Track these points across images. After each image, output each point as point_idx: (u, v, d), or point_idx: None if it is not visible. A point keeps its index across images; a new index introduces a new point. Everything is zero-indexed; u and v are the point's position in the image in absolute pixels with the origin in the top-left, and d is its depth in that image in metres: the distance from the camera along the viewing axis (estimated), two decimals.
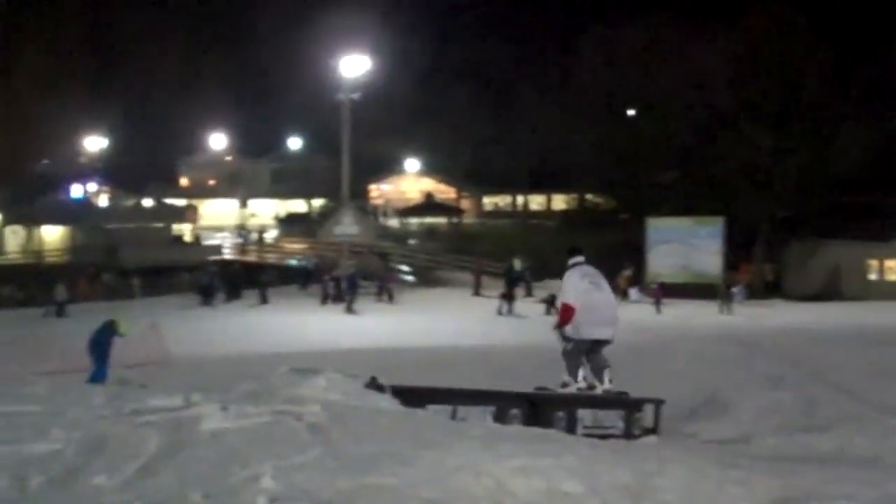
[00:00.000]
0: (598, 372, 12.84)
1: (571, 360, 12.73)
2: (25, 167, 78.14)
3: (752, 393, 16.08)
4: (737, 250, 53.48)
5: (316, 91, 59.98)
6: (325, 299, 43.90)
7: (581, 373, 12.96)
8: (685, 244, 51.55)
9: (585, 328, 12.61)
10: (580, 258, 13.01)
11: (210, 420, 7.76)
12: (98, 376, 17.62)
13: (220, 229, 78.18)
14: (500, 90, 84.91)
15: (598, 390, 12.99)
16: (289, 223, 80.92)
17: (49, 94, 68.58)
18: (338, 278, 44.17)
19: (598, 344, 12.87)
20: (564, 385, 12.96)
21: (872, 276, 53.00)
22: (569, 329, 12.77)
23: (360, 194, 76.27)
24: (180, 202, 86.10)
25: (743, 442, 12.93)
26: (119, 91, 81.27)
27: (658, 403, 13.95)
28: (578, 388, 12.87)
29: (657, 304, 43.14)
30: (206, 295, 44.02)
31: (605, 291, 12.71)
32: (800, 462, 10.43)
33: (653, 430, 13.70)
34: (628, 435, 13.10)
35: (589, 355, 12.79)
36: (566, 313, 12.69)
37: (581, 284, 12.61)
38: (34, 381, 11.25)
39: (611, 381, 12.99)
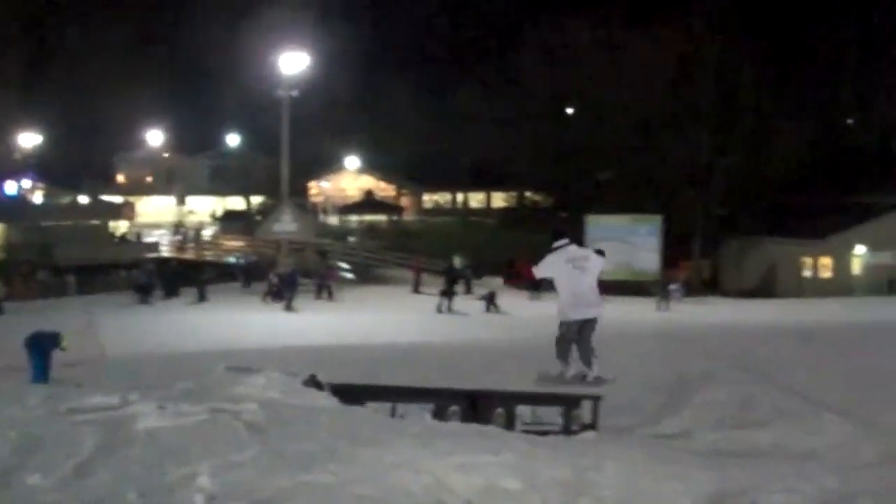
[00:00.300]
0: (586, 359, 12.75)
1: (561, 346, 12.67)
2: None
3: (690, 389, 16.23)
4: (674, 248, 53.94)
5: (254, 88, 59.60)
6: (268, 296, 43.52)
7: (573, 370, 12.87)
8: (624, 242, 51.82)
9: (572, 312, 12.51)
10: (564, 241, 12.89)
11: (147, 419, 7.68)
12: (38, 377, 17.94)
13: (157, 226, 77.49)
14: (439, 88, 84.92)
15: (590, 377, 12.92)
16: (227, 220, 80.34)
17: None
18: (281, 276, 43.89)
19: (587, 325, 12.72)
20: (560, 374, 12.85)
21: (806, 274, 53.73)
22: (557, 313, 12.72)
23: (299, 192, 75.92)
24: (117, 199, 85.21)
25: (681, 437, 13.04)
26: (54, 86, 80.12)
27: (596, 399, 14.04)
28: (571, 376, 12.77)
29: None
30: (144, 293, 43.54)
31: (589, 274, 12.56)
32: (737, 457, 10.55)
33: (591, 426, 13.79)
34: (567, 431, 13.17)
35: (579, 341, 12.67)
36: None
37: (564, 268, 12.52)
38: None
39: (594, 367, 12.88)
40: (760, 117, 55.60)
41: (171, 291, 45.36)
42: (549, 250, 12.84)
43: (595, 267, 12.67)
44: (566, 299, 12.50)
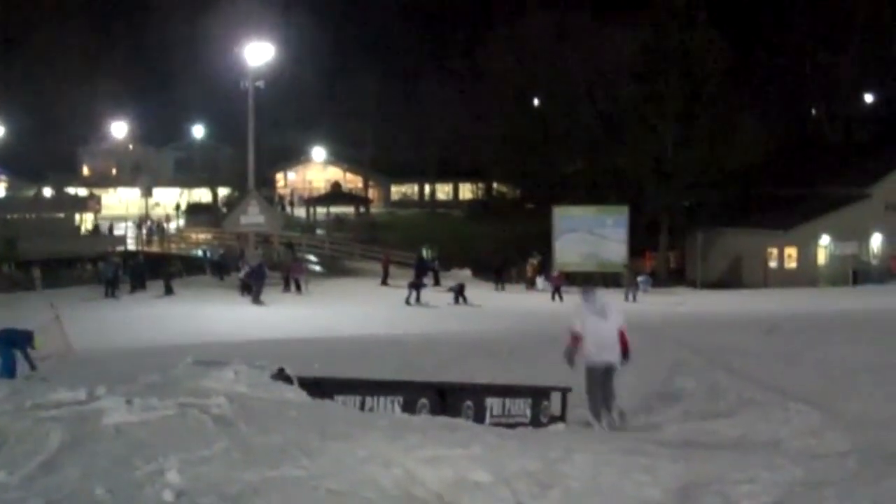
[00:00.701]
0: (608, 401, 13.35)
1: (593, 397, 13.35)
2: None
3: (658, 380, 16.32)
4: (641, 238, 54.22)
5: (219, 78, 59.30)
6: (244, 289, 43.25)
7: (604, 420, 13.31)
8: (591, 233, 52.13)
9: (595, 355, 13.25)
10: (592, 290, 14.08)
11: (114, 413, 7.62)
12: (6, 373, 18.12)
13: (123, 219, 76.92)
14: (406, 79, 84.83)
15: (616, 421, 13.35)
16: (193, 213, 79.92)
17: None
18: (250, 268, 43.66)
19: (608, 372, 13.39)
20: (588, 425, 13.37)
21: (772, 264, 54.05)
22: (581, 357, 13.50)
23: (266, 183, 75.70)
24: (82, 192, 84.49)
25: (649, 428, 13.11)
26: (16, 77, 79.53)
27: (565, 392, 14.11)
28: (606, 424, 13.17)
29: (555, 291, 43.48)
30: (110, 286, 43.25)
31: (610, 321, 13.42)
32: (704, 448, 10.60)
33: (560, 419, 13.85)
34: (536, 423, 13.22)
35: (604, 385, 13.33)
36: (573, 340, 13.51)
37: (588, 316, 13.41)
38: None
39: (614, 412, 13.40)
40: (725, 109, 55.82)
41: (137, 285, 45.08)
42: (581, 298, 13.94)
43: (616, 314, 13.63)
44: (590, 344, 13.27)
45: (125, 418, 7.55)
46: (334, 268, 55.58)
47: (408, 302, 39.54)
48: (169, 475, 6.31)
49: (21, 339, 19.48)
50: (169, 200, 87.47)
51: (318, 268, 54.89)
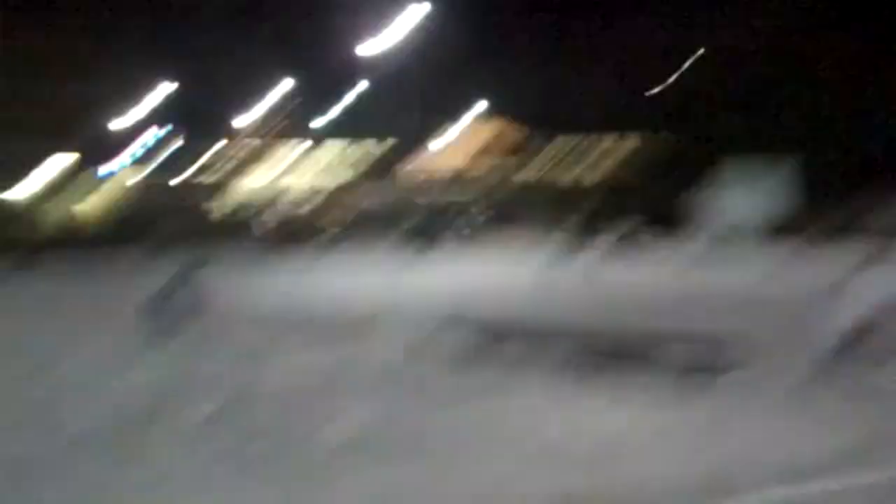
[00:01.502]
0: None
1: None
2: None
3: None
4: None
5: None
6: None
7: None
8: None
9: None
10: None
11: (281, 366, 7.77)
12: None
13: None
14: None
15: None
16: None
17: None
18: None
19: None
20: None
21: None
22: None
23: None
24: None
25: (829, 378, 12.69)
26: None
27: (743, 341, 13.70)
28: None
29: None
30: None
31: None
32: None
33: (737, 368, 13.46)
34: (711, 372, 12.88)
35: None
36: None
37: None
38: None
39: None
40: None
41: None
42: None
43: None
44: None
45: (293, 368, 7.74)
46: None
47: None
48: (340, 422, 6.41)
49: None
50: None
51: None
